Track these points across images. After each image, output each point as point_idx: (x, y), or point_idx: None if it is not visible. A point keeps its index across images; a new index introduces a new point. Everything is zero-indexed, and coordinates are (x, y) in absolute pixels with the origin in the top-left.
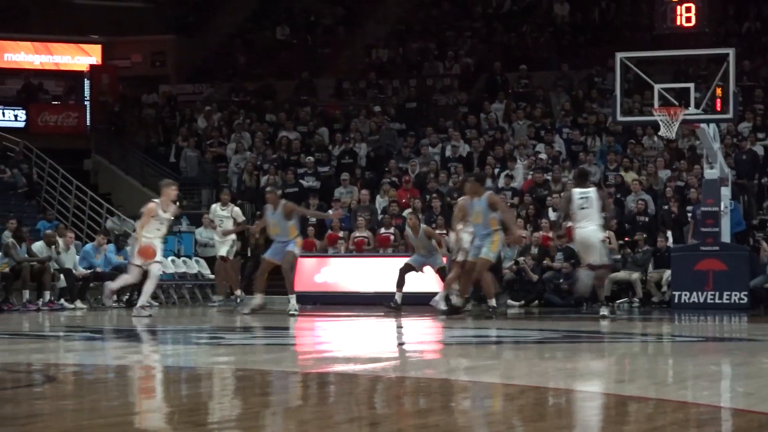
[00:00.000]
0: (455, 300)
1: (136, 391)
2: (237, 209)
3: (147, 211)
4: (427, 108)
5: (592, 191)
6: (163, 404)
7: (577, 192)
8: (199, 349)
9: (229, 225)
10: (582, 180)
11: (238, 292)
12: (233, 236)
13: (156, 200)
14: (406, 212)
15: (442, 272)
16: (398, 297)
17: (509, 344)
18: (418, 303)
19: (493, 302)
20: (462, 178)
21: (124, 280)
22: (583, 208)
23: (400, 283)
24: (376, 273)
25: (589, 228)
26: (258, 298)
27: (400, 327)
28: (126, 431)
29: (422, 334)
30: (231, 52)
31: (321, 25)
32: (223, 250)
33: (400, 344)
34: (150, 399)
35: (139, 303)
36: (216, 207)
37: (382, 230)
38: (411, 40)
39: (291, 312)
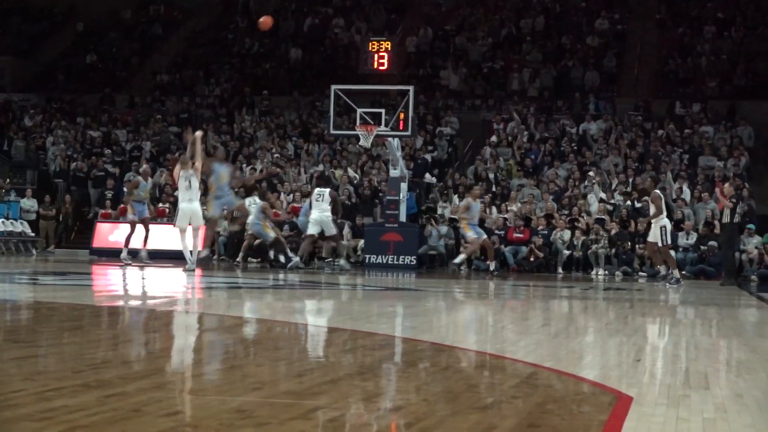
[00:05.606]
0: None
1: None
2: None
3: None
4: (196, 118)
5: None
6: None
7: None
8: (20, 287)
9: None
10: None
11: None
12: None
13: None
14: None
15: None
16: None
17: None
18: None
19: None
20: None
21: None
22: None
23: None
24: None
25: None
26: None
27: (170, 276)
28: None
29: (181, 282)
30: (53, 71)
31: (121, 56)
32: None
33: (172, 288)
34: None
35: None
36: None
37: (160, 204)
38: (186, 69)
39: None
